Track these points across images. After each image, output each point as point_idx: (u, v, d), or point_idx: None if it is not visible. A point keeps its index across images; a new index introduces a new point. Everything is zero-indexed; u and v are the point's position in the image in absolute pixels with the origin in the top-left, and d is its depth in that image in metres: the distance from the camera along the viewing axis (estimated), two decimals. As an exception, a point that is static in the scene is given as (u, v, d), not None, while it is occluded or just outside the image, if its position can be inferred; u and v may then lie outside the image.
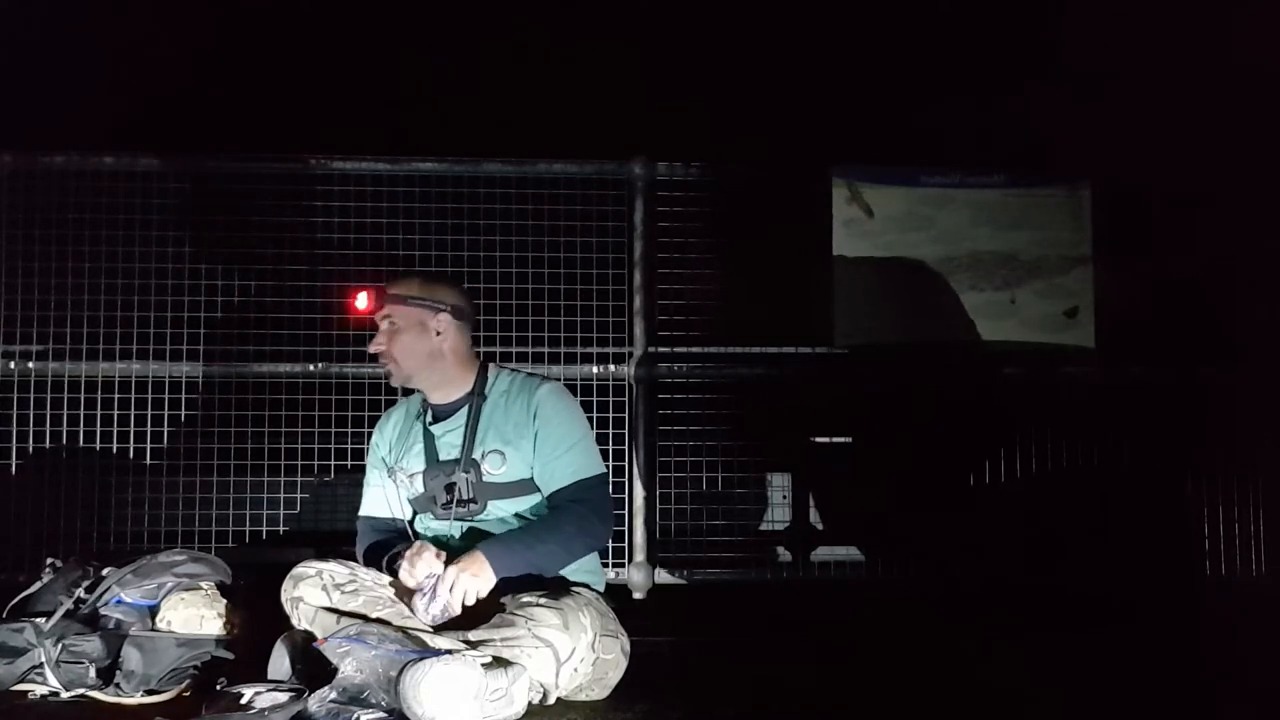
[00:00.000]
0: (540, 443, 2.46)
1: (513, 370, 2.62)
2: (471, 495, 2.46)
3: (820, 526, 3.82)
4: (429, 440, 2.54)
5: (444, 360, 2.53)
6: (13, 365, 3.52)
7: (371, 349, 2.55)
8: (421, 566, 2.30)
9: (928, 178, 3.80)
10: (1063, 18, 4.14)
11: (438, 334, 2.52)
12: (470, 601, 2.25)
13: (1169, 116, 3.76)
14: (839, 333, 3.74)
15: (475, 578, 2.26)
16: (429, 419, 2.57)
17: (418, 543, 2.39)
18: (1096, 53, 4.05)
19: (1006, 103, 4.01)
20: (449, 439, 2.52)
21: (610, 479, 2.61)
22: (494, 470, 2.46)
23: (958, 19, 4.39)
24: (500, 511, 2.47)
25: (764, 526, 3.80)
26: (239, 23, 4.27)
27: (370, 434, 2.73)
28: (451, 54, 4.41)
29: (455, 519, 2.47)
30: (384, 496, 2.60)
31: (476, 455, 2.47)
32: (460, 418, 2.53)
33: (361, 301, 2.61)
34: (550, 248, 3.59)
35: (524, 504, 2.48)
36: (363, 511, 2.66)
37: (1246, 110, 3.68)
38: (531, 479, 2.48)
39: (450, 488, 2.46)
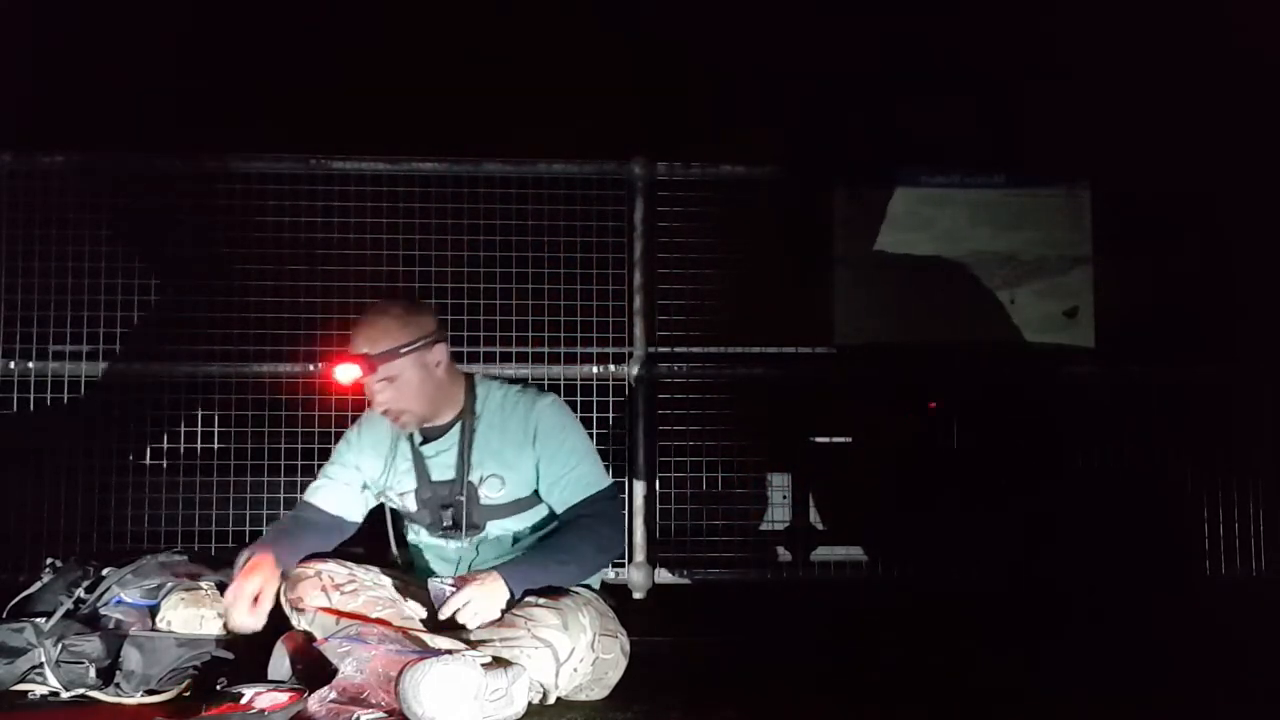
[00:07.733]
0: (545, 463, 2.39)
1: (502, 383, 2.51)
2: (470, 518, 2.41)
3: (820, 526, 3.82)
4: (419, 459, 2.46)
5: (444, 386, 2.41)
6: (13, 365, 3.52)
7: (377, 410, 2.36)
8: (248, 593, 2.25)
9: (928, 178, 3.80)
10: (1062, 17, 4.14)
11: (437, 364, 2.38)
12: (476, 624, 2.16)
13: (1169, 116, 3.76)
14: (839, 333, 3.74)
15: (488, 598, 2.18)
16: (418, 440, 2.47)
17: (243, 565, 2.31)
18: (1096, 52, 4.05)
19: (1007, 103, 4.01)
20: (442, 459, 2.44)
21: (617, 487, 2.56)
22: (492, 494, 2.41)
23: (958, 18, 4.39)
24: (500, 529, 2.44)
25: (764, 526, 3.80)
26: (239, 22, 4.27)
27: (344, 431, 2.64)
28: (452, 54, 4.41)
29: (456, 540, 2.44)
30: (337, 496, 2.49)
31: (474, 479, 2.41)
32: (452, 438, 2.44)
33: (349, 376, 2.30)
34: (550, 248, 3.59)
35: (525, 520, 2.44)
36: (307, 496, 2.53)
37: (1246, 109, 3.68)
38: (530, 496, 2.42)
39: (447, 508, 2.42)
